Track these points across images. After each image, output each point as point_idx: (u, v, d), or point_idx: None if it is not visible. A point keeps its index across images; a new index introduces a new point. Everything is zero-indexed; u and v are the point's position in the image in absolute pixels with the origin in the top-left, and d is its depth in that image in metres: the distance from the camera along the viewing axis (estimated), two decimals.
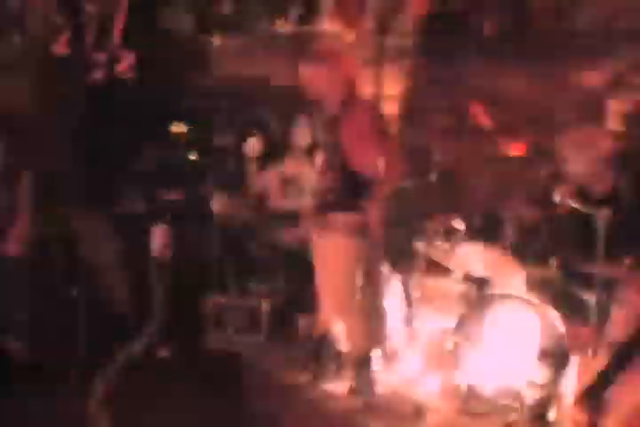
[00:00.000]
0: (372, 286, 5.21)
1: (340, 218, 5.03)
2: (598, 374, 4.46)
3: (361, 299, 5.10)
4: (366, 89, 6.84)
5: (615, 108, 6.32)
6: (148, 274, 6.27)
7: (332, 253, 5.12)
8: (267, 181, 6.84)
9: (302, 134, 6.55)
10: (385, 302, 5.49)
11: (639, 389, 4.35)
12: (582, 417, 4.48)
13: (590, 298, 4.74)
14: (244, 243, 6.82)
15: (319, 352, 5.53)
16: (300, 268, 5.87)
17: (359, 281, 5.07)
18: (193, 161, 7.25)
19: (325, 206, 5.12)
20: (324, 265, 5.22)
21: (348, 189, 5.03)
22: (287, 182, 6.74)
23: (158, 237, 6.25)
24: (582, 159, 4.99)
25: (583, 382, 4.57)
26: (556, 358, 4.85)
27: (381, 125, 5.14)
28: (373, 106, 5.71)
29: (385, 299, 5.50)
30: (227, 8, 7.20)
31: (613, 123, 6.28)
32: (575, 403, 4.60)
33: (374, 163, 4.86)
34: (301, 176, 6.66)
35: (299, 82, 5.04)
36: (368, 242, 5.04)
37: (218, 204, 6.65)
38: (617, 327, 4.61)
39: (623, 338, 4.52)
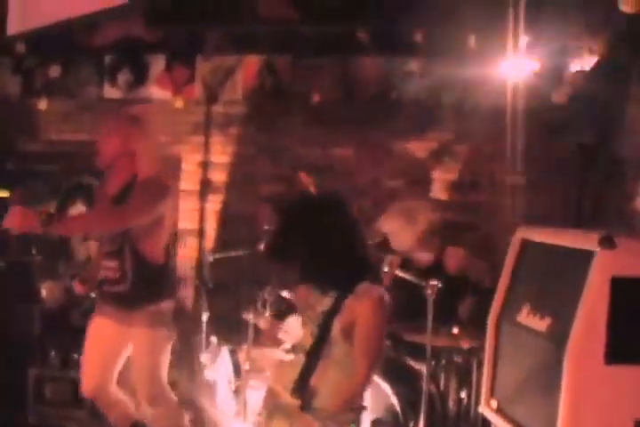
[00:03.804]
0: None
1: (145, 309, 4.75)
2: None
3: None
4: (194, 156, 6.85)
5: (440, 177, 6.47)
6: None
7: (139, 345, 4.84)
8: (91, 249, 6.64)
9: None
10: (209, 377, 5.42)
11: None
12: None
13: (421, 368, 4.77)
14: (68, 312, 6.59)
15: None
16: None
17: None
18: None
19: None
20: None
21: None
22: None
23: None
24: (404, 233, 5.09)
25: None
26: None
27: None
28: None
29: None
30: (55, 71, 7.04)
31: (438, 191, 6.43)
32: None
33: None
34: None
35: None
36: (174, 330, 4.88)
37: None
38: None
39: None
